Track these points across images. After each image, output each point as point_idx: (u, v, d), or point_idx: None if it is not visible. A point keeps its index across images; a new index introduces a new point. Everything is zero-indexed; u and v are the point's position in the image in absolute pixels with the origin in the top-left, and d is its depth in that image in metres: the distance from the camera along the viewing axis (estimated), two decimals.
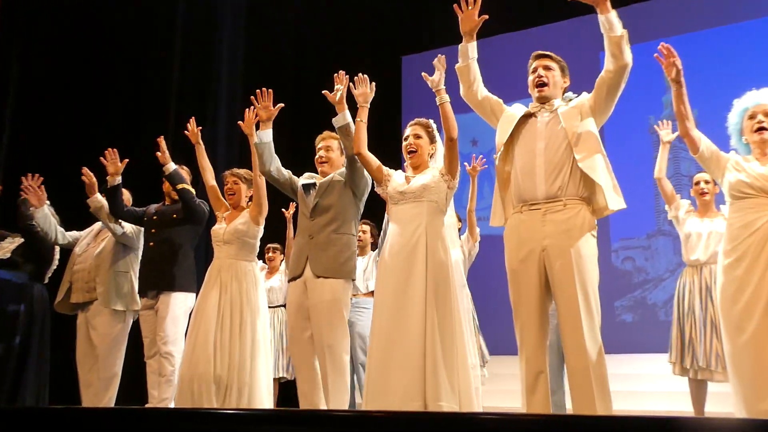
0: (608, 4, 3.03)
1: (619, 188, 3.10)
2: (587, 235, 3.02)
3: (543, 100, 3.25)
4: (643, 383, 5.52)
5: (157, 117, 7.63)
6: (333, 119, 3.85)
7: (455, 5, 3.34)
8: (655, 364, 5.90)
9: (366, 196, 4.08)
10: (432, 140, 3.69)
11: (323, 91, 3.89)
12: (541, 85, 3.25)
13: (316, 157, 4.13)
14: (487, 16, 3.31)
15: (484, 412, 3.12)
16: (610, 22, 3.02)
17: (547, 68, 3.27)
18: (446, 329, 3.29)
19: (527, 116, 3.25)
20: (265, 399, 4.19)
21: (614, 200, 3.04)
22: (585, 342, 2.90)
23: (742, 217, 3.10)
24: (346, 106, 3.84)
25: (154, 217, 4.83)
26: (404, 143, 3.68)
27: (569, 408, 3.01)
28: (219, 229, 4.45)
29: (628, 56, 3.06)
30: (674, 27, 7.27)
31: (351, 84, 3.82)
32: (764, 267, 2.98)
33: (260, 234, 4.51)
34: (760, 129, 3.17)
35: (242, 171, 4.60)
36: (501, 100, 3.42)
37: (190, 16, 8.09)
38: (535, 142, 3.14)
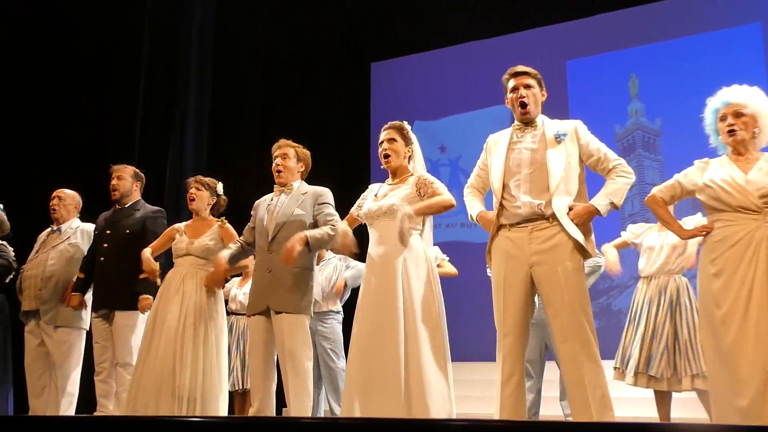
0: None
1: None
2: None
3: (527, 121, 3.30)
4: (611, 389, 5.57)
5: (123, 135, 7.52)
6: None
7: None
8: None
9: None
10: (407, 142, 3.66)
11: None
12: (523, 105, 3.29)
13: (273, 166, 4.07)
14: None
15: (461, 419, 3.15)
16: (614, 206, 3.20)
17: (527, 86, 3.31)
18: (426, 336, 3.31)
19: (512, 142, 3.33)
20: (221, 408, 4.15)
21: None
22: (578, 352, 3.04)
23: (721, 230, 3.12)
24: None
25: (107, 231, 4.72)
26: (379, 149, 3.66)
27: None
28: (181, 242, 4.39)
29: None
30: (642, 36, 7.40)
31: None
32: (741, 281, 3.01)
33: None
34: (731, 131, 3.18)
35: (207, 179, 4.54)
36: (482, 165, 3.47)
37: (157, 34, 7.96)
38: (520, 169, 3.24)
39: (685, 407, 4.88)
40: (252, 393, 3.93)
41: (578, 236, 3.10)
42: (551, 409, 4.91)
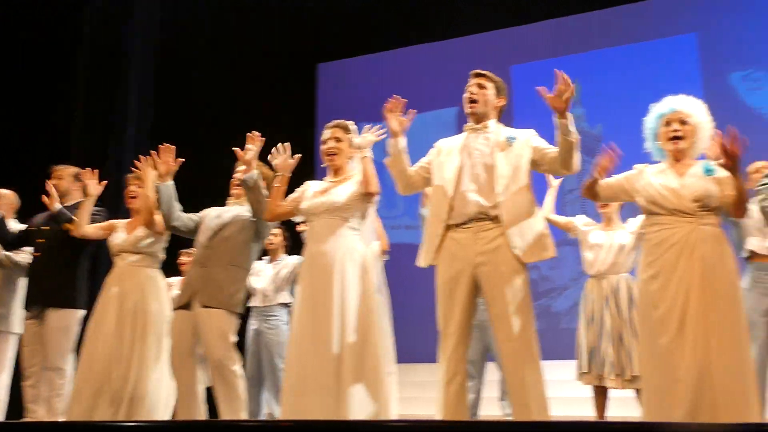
0: (567, 111, 3.09)
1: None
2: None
3: (475, 117, 3.33)
4: (548, 389, 5.66)
5: (61, 134, 7.31)
6: (244, 175, 3.78)
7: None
8: (559, 370, 6.07)
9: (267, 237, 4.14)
10: (351, 143, 3.65)
11: (234, 148, 3.84)
12: (472, 102, 3.33)
13: (233, 179, 4.09)
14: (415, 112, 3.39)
15: (399, 420, 3.16)
16: (566, 127, 3.08)
17: (480, 86, 3.35)
18: (364, 337, 3.30)
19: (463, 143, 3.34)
20: (161, 410, 4.08)
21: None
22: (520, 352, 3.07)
23: (658, 233, 3.18)
24: (255, 165, 3.80)
25: (45, 227, 4.59)
26: (323, 147, 3.64)
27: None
28: (116, 238, 4.30)
29: (576, 165, 3.18)
30: (585, 43, 7.55)
31: (281, 148, 3.71)
32: (678, 283, 3.08)
33: (164, 243, 4.40)
34: (675, 138, 3.25)
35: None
36: (424, 163, 3.45)
37: (97, 30, 7.76)
38: (469, 170, 3.25)
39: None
40: (179, 398, 3.85)
41: (517, 242, 3.12)
42: (491, 409, 4.96)
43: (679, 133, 3.23)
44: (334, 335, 3.26)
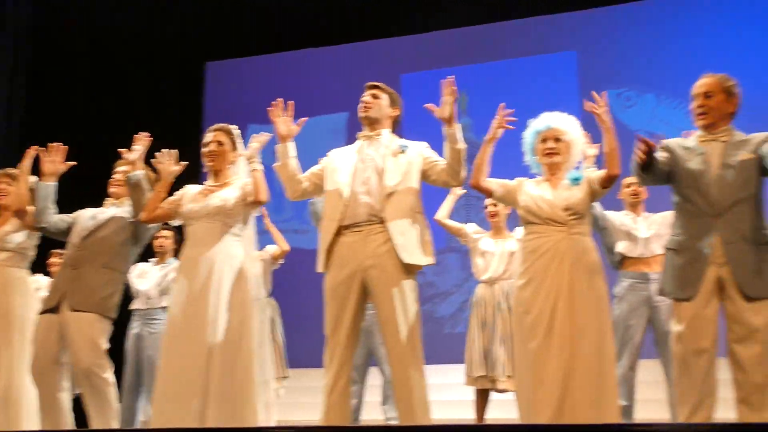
0: (455, 120, 3.19)
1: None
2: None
3: (368, 122, 3.37)
4: (431, 394, 5.77)
5: None
6: (128, 174, 3.70)
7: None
8: (442, 374, 6.20)
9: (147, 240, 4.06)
10: (234, 146, 3.61)
11: (121, 150, 3.74)
12: (365, 107, 3.38)
13: (111, 179, 3.99)
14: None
15: (266, 427, 3.15)
16: (454, 136, 3.18)
17: (374, 96, 3.41)
18: (237, 344, 3.26)
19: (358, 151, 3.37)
20: (32, 415, 3.87)
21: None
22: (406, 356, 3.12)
23: (532, 241, 3.34)
24: (140, 166, 3.73)
25: None
26: (204, 149, 3.57)
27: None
28: None
29: (464, 175, 3.28)
30: (472, 56, 7.76)
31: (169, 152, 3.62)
32: (548, 289, 3.23)
33: (35, 241, 4.18)
34: (550, 154, 3.42)
35: (15, 171, 4.21)
36: (316, 170, 3.45)
37: None
38: (361, 175, 3.28)
39: None
40: (41, 407, 3.67)
41: (402, 247, 3.16)
42: (373, 414, 5.01)
43: (553, 150, 3.41)
44: (207, 341, 3.21)
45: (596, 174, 3.37)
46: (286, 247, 5.42)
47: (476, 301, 4.79)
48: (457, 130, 3.19)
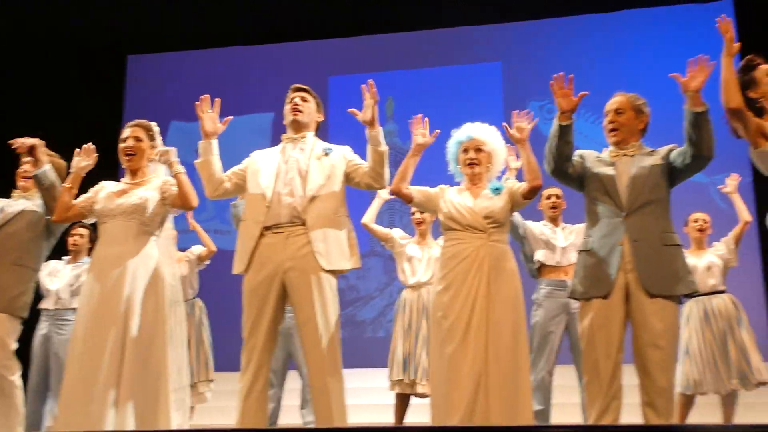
0: (377, 122, 3.21)
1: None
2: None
3: (296, 126, 3.36)
4: (350, 398, 5.78)
5: None
6: (36, 171, 3.57)
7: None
8: (363, 378, 6.21)
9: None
10: (153, 144, 3.51)
11: (12, 141, 3.59)
12: (296, 111, 3.36)
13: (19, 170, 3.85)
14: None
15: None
16: (376, 138, 3.21)
17: (303, 99, 3.40)
18: (149, 349, 3.17)
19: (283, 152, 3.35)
20: None
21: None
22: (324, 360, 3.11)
23: (452, 247, 3.40)
24: (46, 160, 3.60)
25: None
26: (121, 145, 3.46)
27: None
28: None
29: (387, 178, 3.29)
30: (400, 61, 7.82)
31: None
32: (466, 295, 3.29)
33: None
34: (471, 164, 3.50)
35: None
36: (238, 170, 3.40)
37: None
38: (285, 176, 3.26)
39: None
40: None
41: (320, 248, 3.16)
42: (291, 418, 4.96)
43: (474, 160, 3.49)
44: (118, 343, 3.12)
45: (519, 185, 3.45)
46: (213, 248, 5.31)
47: (401, 306, 4.82)
48: (380, 133, 3.23)
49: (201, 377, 5.09)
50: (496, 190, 3.46)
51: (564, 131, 3.14)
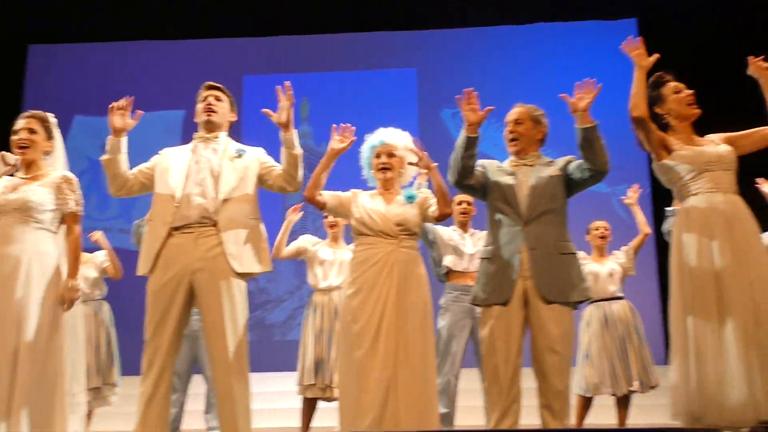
0: (291, 125, 3.17)
1: None
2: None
3: (210, 126, 3.29)
4: (257, 402, 5.70)
5: None
6: None
7: None
8: (271, 382, 6.14)
9: None
10: (49, 136, 3.36)
11: None
12: (210, 111, 3.29)
13: None
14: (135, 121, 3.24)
15: None
16: (290, 141, 3.17)
17: (217, 99, 3.33)
18: (46, 352, 3.05)
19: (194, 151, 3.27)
20: None
21: None
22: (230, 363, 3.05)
23: (363, 252, 3.40)
24: None
25: None
26: (14, 137, 3.29)
27: None
28: None
29: (300, 181, 3.26)
30: (315, 64, 7.78)
31: None
32: (376, 299, 3.29)
33: None
34: (383, 169, 3.51)
35: None
36: (145, 168, 3.30)
37: None
38: (196, 175, 3.20)
39: None
40: None
41: (232, 250, 3.11)
42: (194, 423, 4.85)
43: (387, 165, 3.50)
44: (12, 343, 2.98)
45: (431, 204, 3.46)
46: (119, 275, 5.05)
47: (313, 309, 4.79)
48: (294, 135, 3.20)
49: (106, 380, 4.91)
50: (410, 198, 3.48)
51: (470, 143, 3.19)
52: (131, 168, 3.28)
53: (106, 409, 5.02)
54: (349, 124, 3.44)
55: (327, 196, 3.49)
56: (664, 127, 3.21)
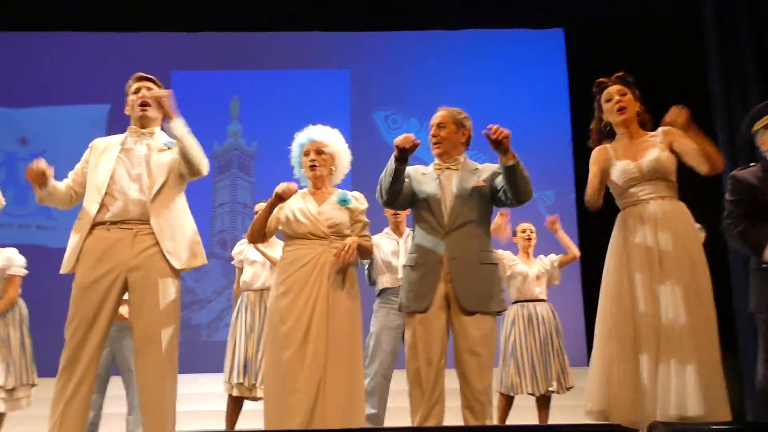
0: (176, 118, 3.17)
1: None
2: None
3: (144, 121, 3.26)
4: (181, 404, 5.60)
5: None
6: None
7: None
8: (195, 384, 6.03)
9: None
10: None
11: None
12: (144, 105, 3.24)
13: None
14: None
15: None
16: (175, 132, 3.16)
17: (149, 90, 3.28)
18: None
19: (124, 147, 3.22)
20: None
21: None
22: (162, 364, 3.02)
23: (292, 252, 3.38)
24: None
25: None
26: None
27: None
28: None
29: (205, 165, 3.24)
30: (247, 62, 7.70)
31: None
32: (305, 300, 3.28)
33: None
34: (312, 166, 3.48)
35: None
36: (80, 170, 3.24)
37: None
38: (130, 170, 3.17)
39: None
40: None
41: (169, 247, 3.07)
42: (116, 428, 4.73)
43: (315, 162, 3.49)
44: None
45: (361, 222, 3.48)
46: (14, 295, 4.75)
47: (242, 310, 4.75)
48: (178, 126, 3.16)
49: (22, 381, 4.71)
50: (343, 202, 3.46)
51: (398, 173, 3.17)
52: (61, 171, 3.19)
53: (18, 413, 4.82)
54: (295, 184, 3.41)
55: (270, 231, 3.49)
56: (611, 134, 3.35)
